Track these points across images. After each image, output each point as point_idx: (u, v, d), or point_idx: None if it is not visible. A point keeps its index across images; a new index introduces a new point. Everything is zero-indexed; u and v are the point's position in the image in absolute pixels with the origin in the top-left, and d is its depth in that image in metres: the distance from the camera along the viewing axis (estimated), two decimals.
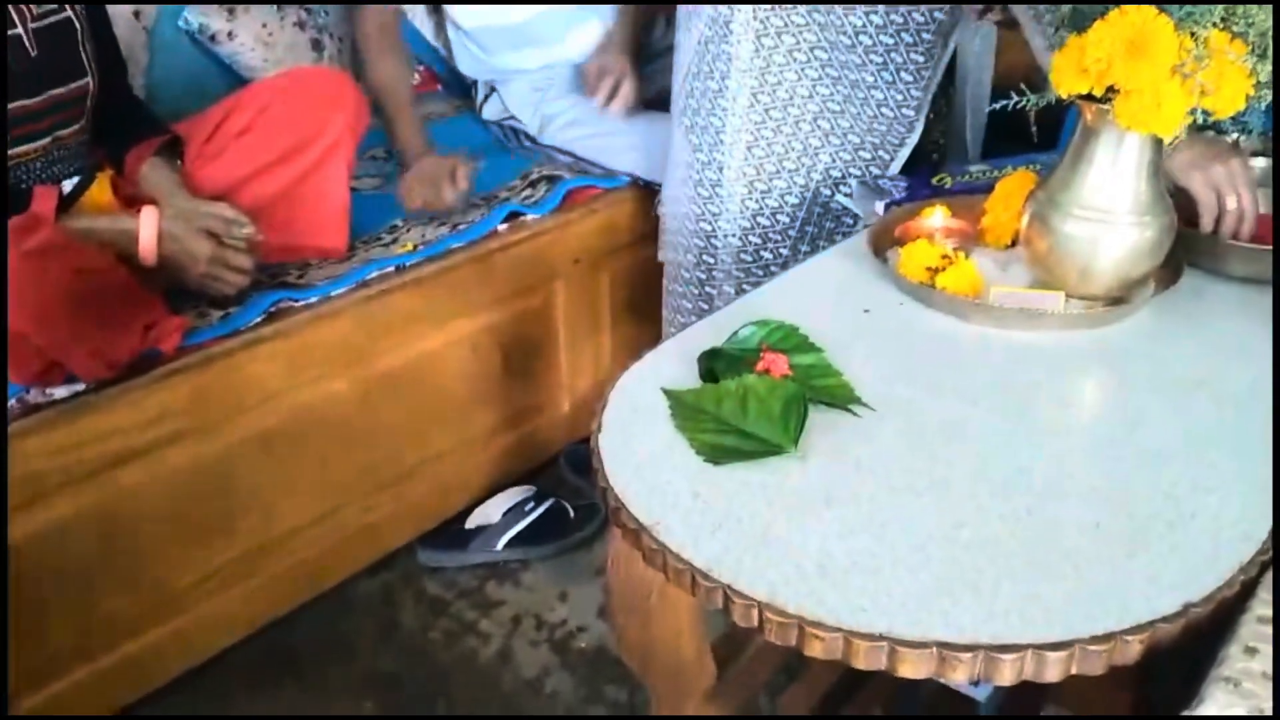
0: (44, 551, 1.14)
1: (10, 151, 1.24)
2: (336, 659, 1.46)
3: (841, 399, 0.84)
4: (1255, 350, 0.92)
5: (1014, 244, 1.06)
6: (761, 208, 1.42)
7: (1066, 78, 0.87)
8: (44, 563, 1.15)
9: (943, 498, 0.74)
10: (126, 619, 1.26)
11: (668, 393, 0.86)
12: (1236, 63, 0.83)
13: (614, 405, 0.87)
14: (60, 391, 1.14)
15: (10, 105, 1.22)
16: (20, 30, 1.22)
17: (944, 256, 1.01)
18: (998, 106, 0.94)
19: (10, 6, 1.21)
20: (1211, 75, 0.82)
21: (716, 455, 0.78)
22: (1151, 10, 0.83)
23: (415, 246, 1.50)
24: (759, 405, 0.81)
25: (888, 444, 0.80)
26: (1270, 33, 0.83)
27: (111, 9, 1.57)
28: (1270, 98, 0.84)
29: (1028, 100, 0.92)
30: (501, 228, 1.57)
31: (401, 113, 1.70)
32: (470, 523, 1.63)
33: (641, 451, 0.80)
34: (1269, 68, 0.83)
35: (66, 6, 1.28)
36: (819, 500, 0.74)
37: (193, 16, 1.72)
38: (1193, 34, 0.83)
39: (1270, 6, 0.83)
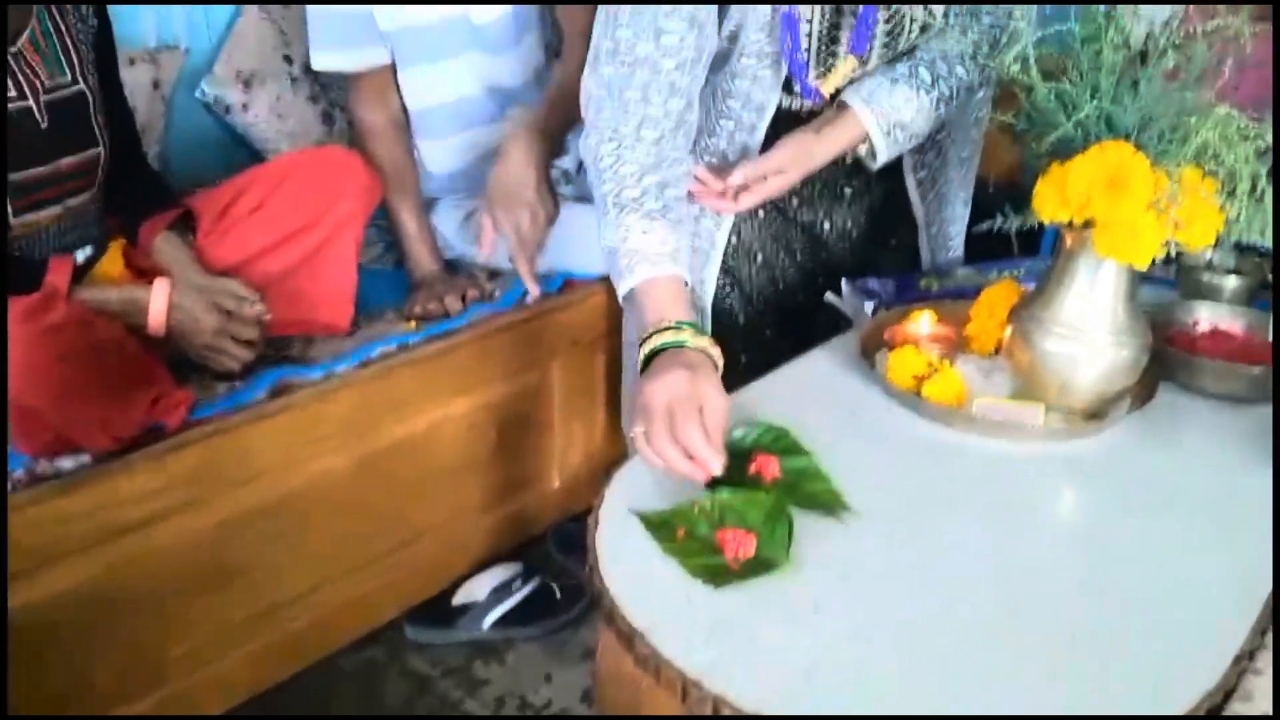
0: (41, 619, 1.15)
1: (23, 219, 1.27)
2: None
3: (829, 505, 0.86)
4: (1228, 465, 0.96)
5: (997, 351, 1.10)
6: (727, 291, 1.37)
7: (1049, 206, 0.92)
8: (40, 630, 1.15)
9: (925, 607, 0.76)
10: (114, 688, 1.26)
11: (640, 515, 0.85)
12: (1208, 200, 0.88)
13: (610, 501, 0.88)
14: (67, 463, 1.16)
15: (22, 174, 1.24)
16: (30, 103, 1.25)
17: (930, 364, 1.05)
18: (983, 228, 0.99)
19: (21, 79, 1.24)
20: (1185, 212, 0.87)
21: (717, 578, 0.78)
22: (1129, 148, 0.88)
23: (418, 325, 1.54)
24: (737, 520, 0.82)
25: (873, 551, 0.83)
26: (1238, 173, 0.88)
27: (130, 80, 1.63)
28: (1237, 234, 0.88)
29: (1009, 220, 0.98)
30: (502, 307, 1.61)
31: (409, 224, 1.66)
32: (457, 599, 1.64)
33: (636, 551, 0.82)
34: (1238, 205, 0.88)
35: (80, 80, 1.31)
36: (807, 608, 0.76)
37: (209, 88, 1.78)
38: (1168, 172, 0.88)
39: (1239, 146, 0.88)
